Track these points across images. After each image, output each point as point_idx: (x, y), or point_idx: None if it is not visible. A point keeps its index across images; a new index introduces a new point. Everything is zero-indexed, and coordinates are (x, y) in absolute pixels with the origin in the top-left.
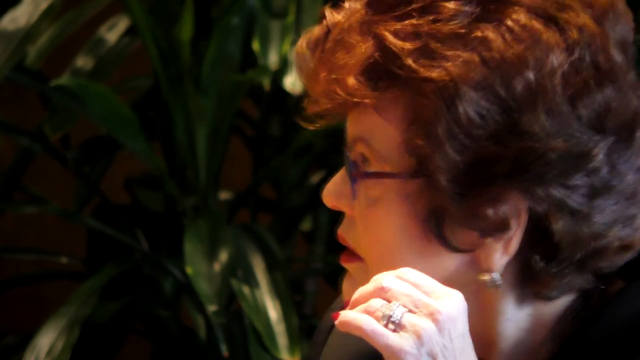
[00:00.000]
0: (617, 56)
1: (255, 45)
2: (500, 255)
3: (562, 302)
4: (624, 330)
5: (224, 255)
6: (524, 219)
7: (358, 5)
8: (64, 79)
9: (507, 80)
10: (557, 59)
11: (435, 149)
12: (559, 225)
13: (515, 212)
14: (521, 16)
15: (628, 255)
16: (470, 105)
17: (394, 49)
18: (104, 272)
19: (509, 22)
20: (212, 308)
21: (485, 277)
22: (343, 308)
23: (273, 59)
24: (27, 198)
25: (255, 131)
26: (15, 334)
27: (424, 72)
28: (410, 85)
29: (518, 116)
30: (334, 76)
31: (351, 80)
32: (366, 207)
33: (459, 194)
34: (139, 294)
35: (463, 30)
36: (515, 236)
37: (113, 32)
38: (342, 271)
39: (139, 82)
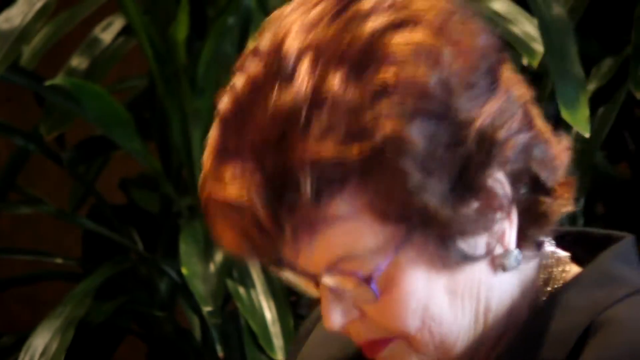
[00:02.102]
0: None
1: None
2: (508, 229)
3: (527, 274)
4: (566, 322)
5: (219, 256)
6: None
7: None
8: (59, 79)
9: (421, 94)
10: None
11: (417, 195)
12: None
13: (502, 185)
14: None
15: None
16: (419, 139)
17: (333, 156)
18: (99, 273)
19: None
20: (207, 308)
21: (506, 258)
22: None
23: None
24: (22, 198)
25: None
26: (10, 334)
27: (364, 152)
28: (359, 172)
29: (455, 114)
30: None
31: (307, 211)
32: (387, 292)
33: (456, 209)
34: (134, 294)
35: (360, 98)
36: (513, 206)
37: (108, 32)
38: None
39: (135, 82)
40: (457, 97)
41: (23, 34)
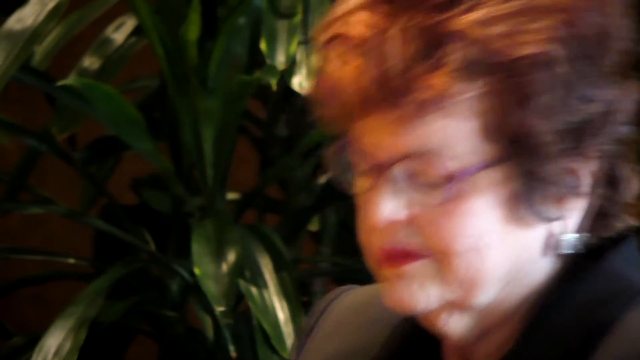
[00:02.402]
0: None
1: (263, 45)
2: (575, 211)
3: (556, 268)
4: (574, 314)
5: (231, 256)
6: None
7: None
8: (70, 79)
9: (582, 33)
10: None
11: (534, 119)
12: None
13: (593, 165)
14: None
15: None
16: (566, 67)
17: (486, 45)
18: (111, 273)
19: None
20: (219, 308)
21: (564, 239)
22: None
23: (280, 59)
24: (33, 198)
25: (263, 131)
26: (22, 334)
27: (519, 51)
28: (498, 71)
29: (599, 70)
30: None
31: (440, 80)
32: (452, 204)
33: (555, 158)
34: (145, 294)
35: (526, 9)
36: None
37: (119, 32)
38: (349, 271)
39: (146, 82)
40: (607, 55)
41: (35, 34)
